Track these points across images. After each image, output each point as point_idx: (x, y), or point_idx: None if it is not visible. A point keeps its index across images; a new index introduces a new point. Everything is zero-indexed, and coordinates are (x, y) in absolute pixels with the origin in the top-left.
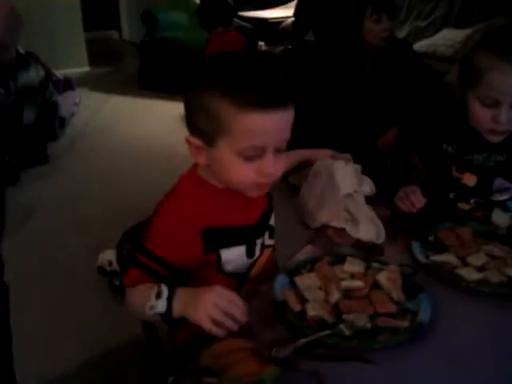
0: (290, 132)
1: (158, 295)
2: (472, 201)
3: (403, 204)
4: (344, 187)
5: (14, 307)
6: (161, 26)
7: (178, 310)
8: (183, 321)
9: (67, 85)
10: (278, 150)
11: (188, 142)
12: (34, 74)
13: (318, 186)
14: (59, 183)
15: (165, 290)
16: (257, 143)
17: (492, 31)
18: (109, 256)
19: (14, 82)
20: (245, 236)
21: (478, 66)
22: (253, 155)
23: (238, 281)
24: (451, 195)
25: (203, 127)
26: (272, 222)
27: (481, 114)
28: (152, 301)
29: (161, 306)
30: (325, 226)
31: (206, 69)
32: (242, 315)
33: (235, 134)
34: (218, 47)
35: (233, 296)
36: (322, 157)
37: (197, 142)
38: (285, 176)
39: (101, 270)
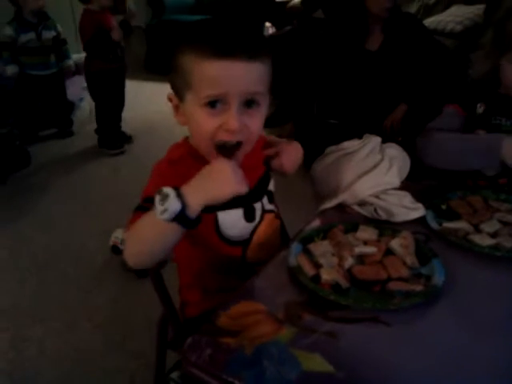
0: (260, 86)
1: (164, 197)
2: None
3: None
4: (400, 215)
5: (31, 288)
6: (168, 8)
7: (195, 200)
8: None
9: (75, 70)
10: (248, 106)
11: (169, 99)
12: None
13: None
14: (70, 166)
15: (169, 190)
16: (215, 91)
17: None
18: (121, 235)
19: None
20: (239, 199)
21: None
22: (216, 109)
23: (241, 248)
24: None
25: (176, 84)
26: (271, 187)
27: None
28: (158, 207)
29: (173, 204)
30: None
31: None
32: None
33: (196, 84)
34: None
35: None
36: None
37: (174, 99)
38: None
39: (114, 248)
